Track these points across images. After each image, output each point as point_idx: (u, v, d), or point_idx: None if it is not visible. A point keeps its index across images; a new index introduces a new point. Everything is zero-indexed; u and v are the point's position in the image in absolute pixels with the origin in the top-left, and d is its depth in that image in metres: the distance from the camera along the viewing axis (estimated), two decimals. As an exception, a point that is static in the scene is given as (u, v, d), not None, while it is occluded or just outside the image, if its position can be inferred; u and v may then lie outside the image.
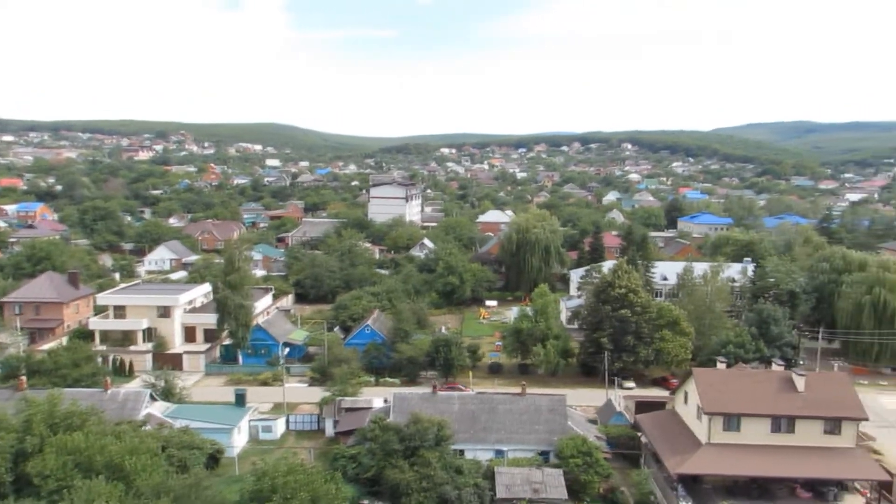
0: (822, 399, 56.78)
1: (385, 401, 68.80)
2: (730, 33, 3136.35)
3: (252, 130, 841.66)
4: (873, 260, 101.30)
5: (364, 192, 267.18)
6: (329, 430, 69.72)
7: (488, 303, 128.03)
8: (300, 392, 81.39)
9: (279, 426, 70.63)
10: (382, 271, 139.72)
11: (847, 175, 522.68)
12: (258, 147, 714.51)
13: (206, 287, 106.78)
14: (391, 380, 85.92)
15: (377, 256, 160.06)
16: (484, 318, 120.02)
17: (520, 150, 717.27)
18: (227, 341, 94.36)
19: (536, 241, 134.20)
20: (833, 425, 56.02)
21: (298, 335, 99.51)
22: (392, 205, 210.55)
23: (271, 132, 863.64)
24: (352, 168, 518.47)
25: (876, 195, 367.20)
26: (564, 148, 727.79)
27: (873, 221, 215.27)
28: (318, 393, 77.58)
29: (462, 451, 59.83)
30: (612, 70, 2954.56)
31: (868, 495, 56.18)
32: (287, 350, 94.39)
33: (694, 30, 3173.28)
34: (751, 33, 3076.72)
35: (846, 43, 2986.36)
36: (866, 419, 57.93)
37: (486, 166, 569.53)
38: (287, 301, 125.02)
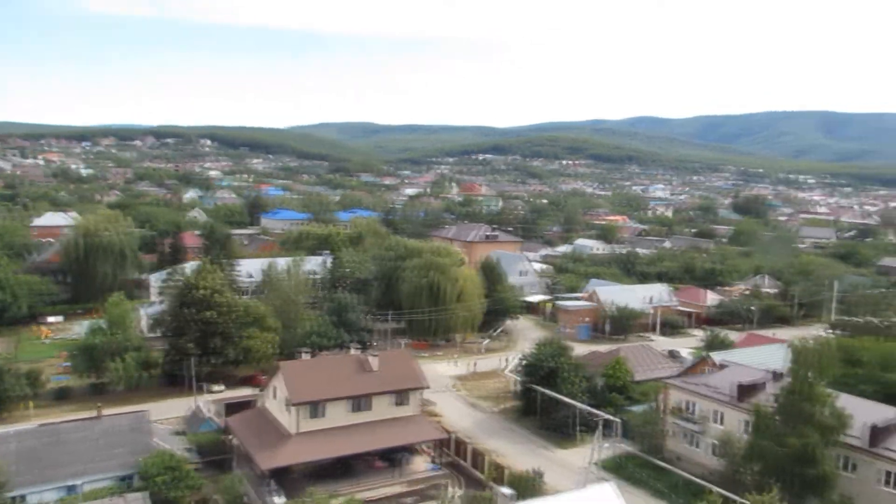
0: (392, 375, 63.51)
1: None
2: (303, 41, 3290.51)
3: None
4: (427, 247, 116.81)
5: None
6: None
7: (51, 319, 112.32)
8: None
9: None
10: None
11: (404, 172, 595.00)
12: None
13: None
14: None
15: None
16: (46, 336, 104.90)
17: (83, 144, 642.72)
18: None
19: (108, 244, 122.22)
20: (401, 397, 63.11)
21: None
22: None
23: None
24: None
25: (427, 189, 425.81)
26: (137, 142, 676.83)
27: (426, 213, 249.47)
28: None
29: (24, 497, 51.50)
30: (188, 62, 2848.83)
31: (431, 454, 64.92)
32: None
33: (275, 31, 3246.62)
34: (319, 42, 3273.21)
35: (398, 58, 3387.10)
36: (427, 387, 66.73)
37: (41, 161, 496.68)
38: None
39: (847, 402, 52.61)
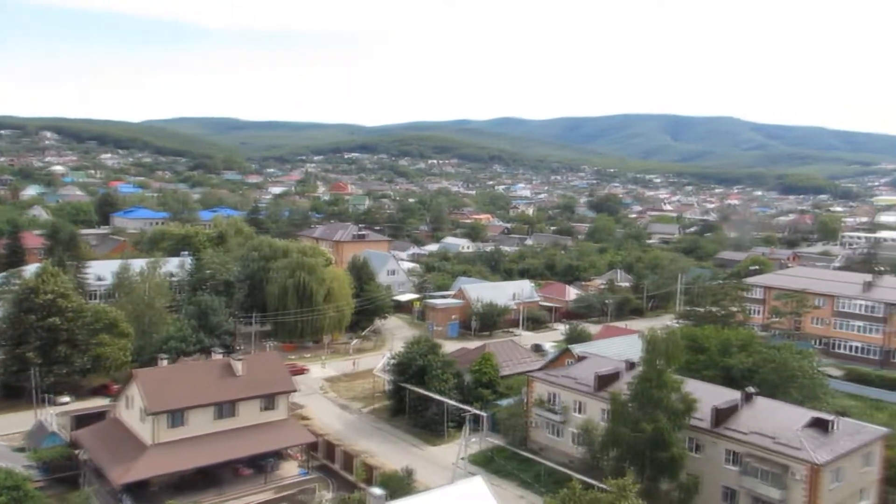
0: (259, 379, 61.53)
1: None
2: (158, 30, 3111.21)
3: None
4: (294, 246, 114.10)
5: None
6: None
7: None
8: None
9: None
10: None
11: (270, 170, 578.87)
12: None
13: None
14: None
15: None
16: None
17: None
18: None
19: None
20: (269, 401, 61.28)
21: None
22: None
23: None
24: None
25: (293, 188, 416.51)
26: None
27: (293, 211, 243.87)
28: None
29: None
30: (25, 47, 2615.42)
31: (300, 458, 63.51)
32: None
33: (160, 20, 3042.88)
34: (176, 32, 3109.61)
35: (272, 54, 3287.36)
36: (296, 390, 65.27)
37: None
38: None
39: (693, 387, 56.73)
